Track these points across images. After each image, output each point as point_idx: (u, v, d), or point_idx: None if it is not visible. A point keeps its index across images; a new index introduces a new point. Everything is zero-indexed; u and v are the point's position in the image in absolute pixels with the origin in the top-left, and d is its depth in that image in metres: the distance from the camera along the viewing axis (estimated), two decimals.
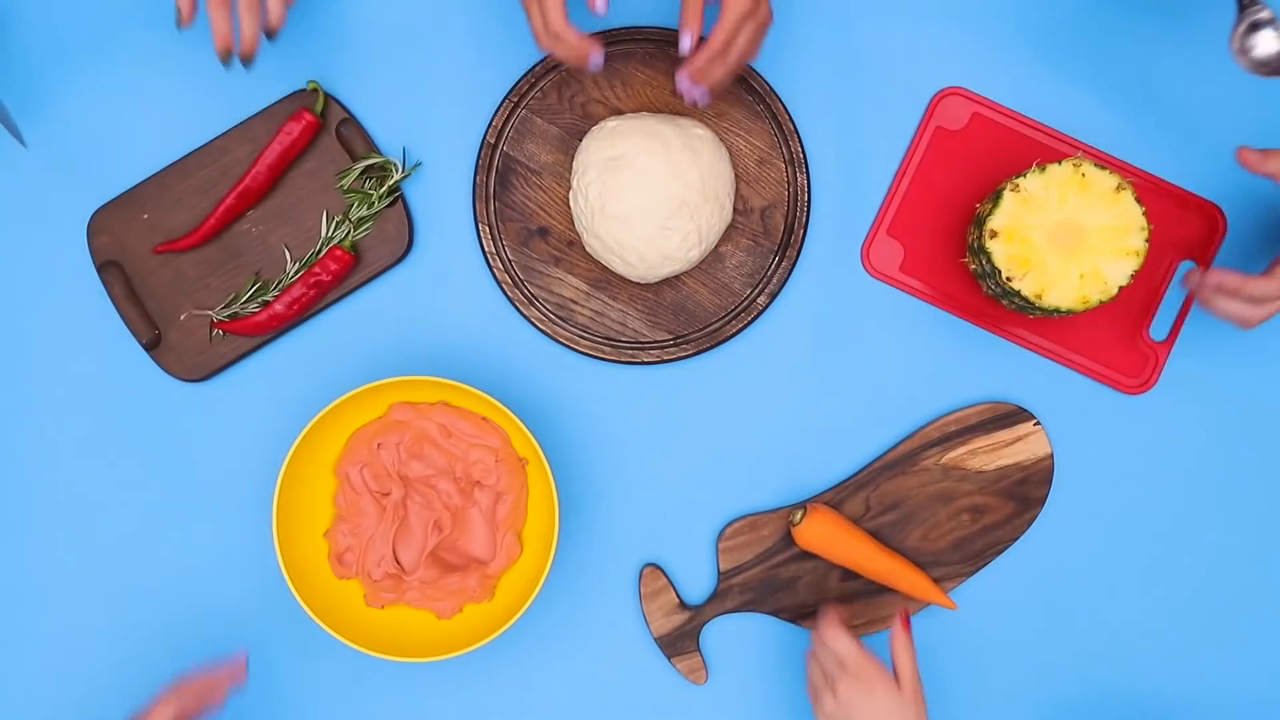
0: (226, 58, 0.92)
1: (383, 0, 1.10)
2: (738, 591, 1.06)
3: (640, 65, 1.08)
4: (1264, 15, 0.93)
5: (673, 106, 1.08)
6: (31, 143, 1.09)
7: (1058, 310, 0.96)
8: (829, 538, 1.00)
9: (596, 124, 1.06)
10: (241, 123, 1.08)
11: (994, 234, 0.97)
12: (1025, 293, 0.96)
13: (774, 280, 1.07)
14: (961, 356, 1.08)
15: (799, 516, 1.00)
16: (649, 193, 1.01)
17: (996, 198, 0.97)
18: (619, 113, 1.08)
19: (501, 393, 1.08)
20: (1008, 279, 0.96)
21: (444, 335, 1.09)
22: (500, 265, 1.08)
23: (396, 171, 1.07)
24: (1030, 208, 0.96)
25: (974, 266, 1.01)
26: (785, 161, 1.07)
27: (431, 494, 1.04)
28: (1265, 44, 0.94)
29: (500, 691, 1.07)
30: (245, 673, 0.94)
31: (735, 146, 1.07)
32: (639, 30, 1.08)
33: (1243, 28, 0.93)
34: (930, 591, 1.01)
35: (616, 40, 1.08)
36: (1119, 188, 0.95)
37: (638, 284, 1.07)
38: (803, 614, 1.06)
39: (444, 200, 1.09)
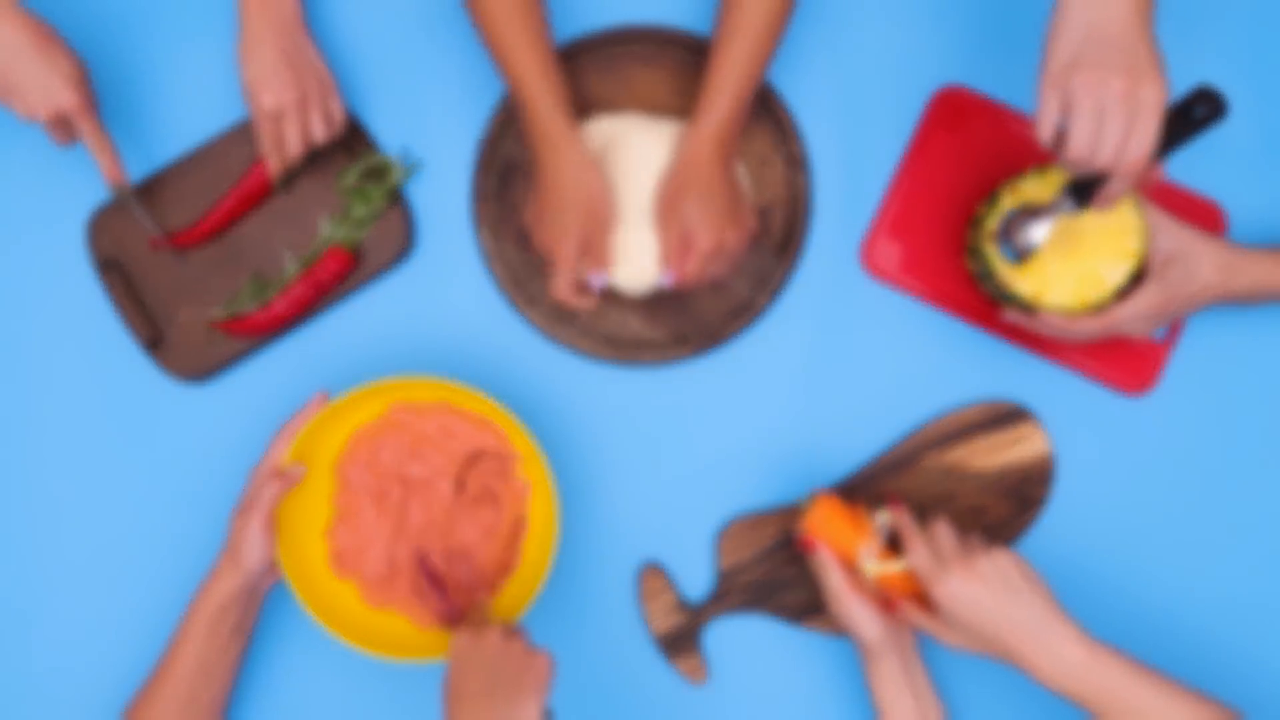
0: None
1: (383, 1, 1.10)
2: (738, 591, 1.06)
3: (640, 65, 1.08)
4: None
5: (671, 107, 1.08)
6: (32, 143, 1.09)
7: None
8: (834, 524, 0.98)
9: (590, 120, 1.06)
10: (241, 123, 1.08)
11: (992, 235, 0.97)
12: (1024, 294, 0.96)
13: (774, 280, 1.07)
14: (961, 356, 1.08)
15: (807, 501, 0.99)
16: (635, 180, 1.01)
17: (995, 199, 0.98)
18: (619, 111, 1.07)
19: (501, 393, 1.08)
20: (1006, 280, 0.96)
21: (444, 335, 1.09)
22: (501, 265, 1.08)
23: (396, 171, 1.07)
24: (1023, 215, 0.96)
25: (973, 267, 1.01)
26: (785, 161, 1.07)
27: (431, 495, 1.04)
28: (1035, 233, 0.94)
29: None
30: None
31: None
32: (639, 30, 1.08)
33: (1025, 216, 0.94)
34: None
35: (617, 41, 1.08)
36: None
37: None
38: (803, 614, 1.06)
39: (444, 200, 1.09)
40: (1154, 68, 0.81)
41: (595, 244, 0.99)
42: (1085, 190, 0.90)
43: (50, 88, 0.96)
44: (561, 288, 0.99)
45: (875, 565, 0.95)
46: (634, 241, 1.01)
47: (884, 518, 0.97)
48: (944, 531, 0.93)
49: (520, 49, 0.96)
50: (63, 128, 0.99)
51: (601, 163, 1.01)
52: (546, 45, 0.98)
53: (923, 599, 0.95)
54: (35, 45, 0.95)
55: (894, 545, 0.98)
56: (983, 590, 0.88)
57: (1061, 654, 0.86)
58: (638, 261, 1.01)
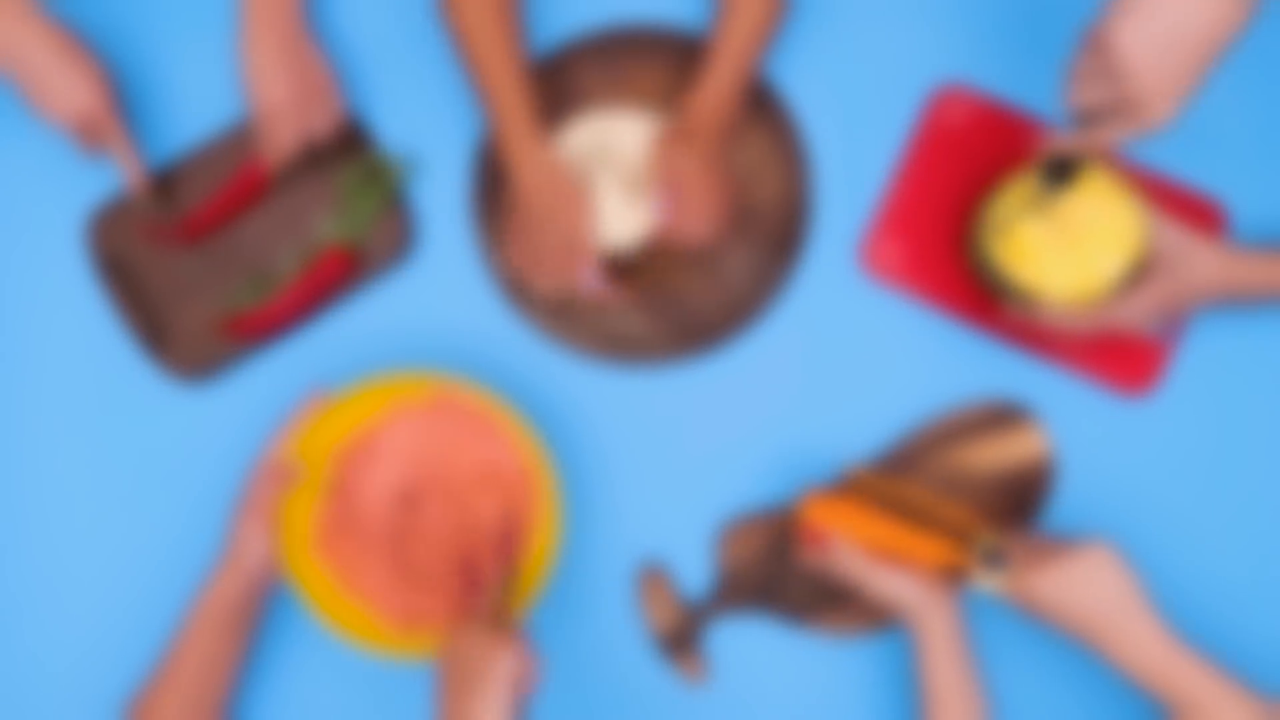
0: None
1: (382, 0, 1.10)
2: (738, 591, 1.06)
3: (634, 61, 1.08)
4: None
5: (665, 103, 1.08)
6: (32, 142, 1.09)
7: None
8: (839, 514, 0.99)
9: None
10: (241, 124, 1.08)
11: (993, 230, 0.97)
12: (1024, 287, 0.96)
13: (773, 279, 1.07)
14: (961, 356, 1.08)
15: (802, 501, 0.99)
16: (627, 173, 1.04)
17: (995, 194, 0.98)
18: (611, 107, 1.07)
19: (501, 392, 1.08)
20: (1006, 274, 0.97)
21: (444, 335, 1.09)
22: (501, 265, 1.08)
23: (397, 171, 1.07)
24: (1029, 204, 0.96)
25: (973, 262, 1.02)
26: (785, 160, 1.07)
27: (435, 496, 1.04)
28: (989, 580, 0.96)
29: None
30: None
31: (735, 146, 1.07)
32: (638, 29, 1.08)
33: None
34: (959, 546, 1.00)
35: (611, 38, 1.08)
36: (1117, 183, 0.96)
37: (638, 284, 1.07)
38: (803, 613, 1.06)
39: (444, 200, 1.09)
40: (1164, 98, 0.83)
41: (576, 248, 1.03)
42: (1060, 172, 0.93)
43: (73, 92, 0.97)
44: (548, 289, 1.05)
45: (989, 581, 0.96)
46: (617, 211, 1.05)
47: (984, 541, 0.98)
48: (1040, 536, 0.97)
49: (491, 60, 1.00)
50: (88, 133, 1.00)
51: (568, 168, 1.03)
52: (518, 57, 1.01)
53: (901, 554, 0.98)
54: (58, 50, 0.97)
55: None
56: (1081, 585, 0.92)
57: (1144, 647, 0.91)
58: (620, 223, 1.04)
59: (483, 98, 1.01)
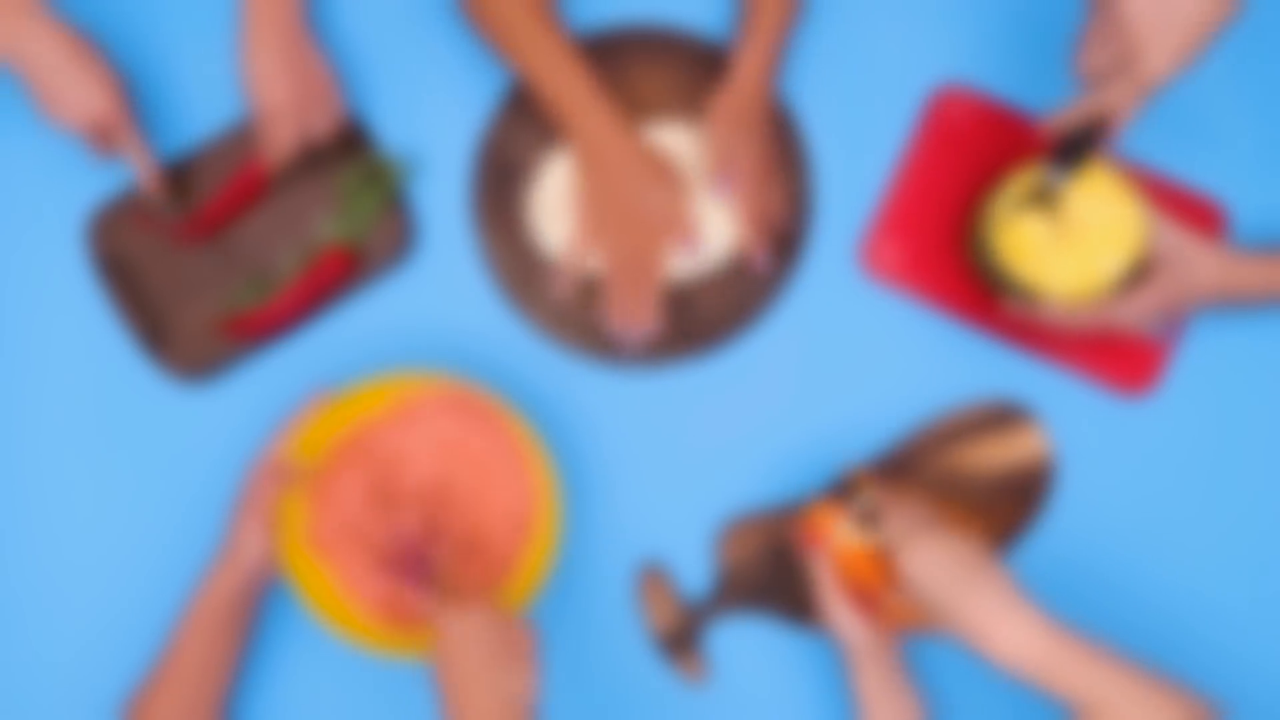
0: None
1: (382, 0, 1.10)
2: (738, 591, 1.06)
3: (641, 64, 1.08)
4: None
5: (673, 108, 1.08)
6: (32, 141, 1.09)
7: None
8: (831, 530, 0.99)
9: None
10: (241, 123, 1.08)
11: (994, 225, 0.97)
12: (1024, 284, 0.97)
13: (773, 279, 1.07)
14: (962, 356, 1.08)
15: (806, 507, 0.99)
16: None
17: (996, 193, 0.98)
18: None
19: (502, 393, 1.08)
20: (1007, 270, 0.97)
21: (444, 336, 1.09)
22: (500, 265, 1.08)
23: (397, 172, 1.07)
24: (1030, 199, 0.96)
25: (973, 260, 1.02)
26: (785, 161, 1.07)
27: (429, 496, 1.04)
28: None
29: None
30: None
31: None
32: (638, 30, 1.08)
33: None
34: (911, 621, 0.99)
35: (618, 42, 1.08)
36: (1117, 182, 0.96)
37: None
38: (803, 613, 1.06)
39: (444, 200, 1.09)
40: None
41: (676, 226, 1.03)
42: (1071, 155, 0.92)
43: (87, 97, 0.97)
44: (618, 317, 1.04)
45: (849, 536, 0.96)
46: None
47: (865, 497, 0.97)
48: (918, 504, 0.94)
49: (544, 52, 0.99)
50: (101, 137, 1.00)
51: (665, 161, 1.03)
52: (568, 42, 0.99)
53: (877, 590, 0.96)
54: (70, 54, 0.96)
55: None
56: (950, 562, 0.86)
57: (1022, 634, 0.82)
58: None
59: (541, 88, 1.00)
